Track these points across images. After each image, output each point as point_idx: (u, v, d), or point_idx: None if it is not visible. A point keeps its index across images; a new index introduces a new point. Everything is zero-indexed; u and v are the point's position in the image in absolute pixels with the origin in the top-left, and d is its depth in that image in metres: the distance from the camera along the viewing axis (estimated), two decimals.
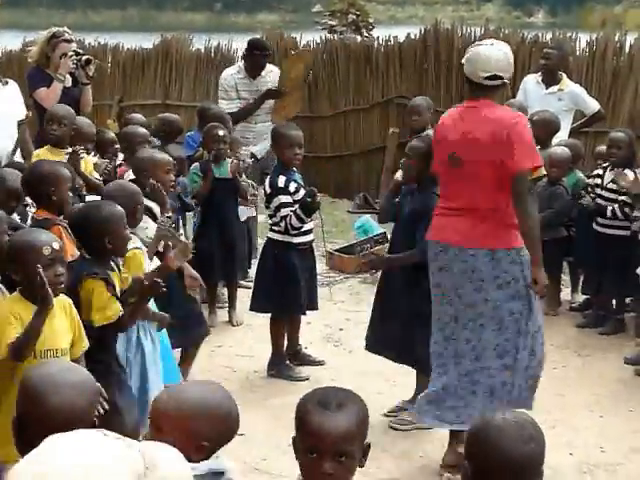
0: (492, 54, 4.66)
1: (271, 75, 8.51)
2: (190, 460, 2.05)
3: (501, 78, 4.64)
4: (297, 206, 5.83)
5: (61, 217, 4.63)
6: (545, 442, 2.42)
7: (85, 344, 3.85)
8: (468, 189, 4.63)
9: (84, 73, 7.25)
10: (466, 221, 4.64)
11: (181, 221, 6.67)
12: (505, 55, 4.71)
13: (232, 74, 8.52)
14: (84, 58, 7.21)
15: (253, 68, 8.43)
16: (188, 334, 5.46)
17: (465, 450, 2.45)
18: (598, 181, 6.92)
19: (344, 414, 2.46)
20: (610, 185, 6.77)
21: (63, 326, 3.76)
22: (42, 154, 5.90)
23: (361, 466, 2.50)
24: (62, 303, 3.78)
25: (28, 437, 2.28)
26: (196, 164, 6.95)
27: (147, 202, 5.10)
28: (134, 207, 4.67)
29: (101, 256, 4.28)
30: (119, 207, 4.38)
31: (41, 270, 3.54)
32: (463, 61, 4.76)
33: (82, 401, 2.44)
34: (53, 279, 3.62)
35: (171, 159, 5.65)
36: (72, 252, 4.34)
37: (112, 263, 4.32)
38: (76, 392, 2.46)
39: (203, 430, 2.50)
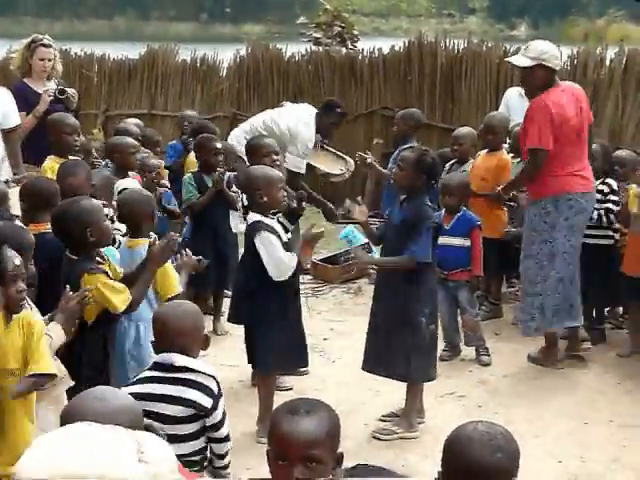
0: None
1: None
2: None
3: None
4: (279, 214, 5.53)
5: None
6: (518, 453, 2.44)
7: (39, 367, 3.62)
8: (584, 150, 6.27)
9: (64, 106, 7.25)
10: (590, 172, 6.32)
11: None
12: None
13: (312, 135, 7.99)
14: (57, 89, 7.26)
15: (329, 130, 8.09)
16: None
17: (441, 456, 2.48)
18: None
19: (312, 419, 2.47)
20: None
21: (14, 345, 3.61)
22: (53, 165, 5.88)
23: (334, 475, 2.49)
24: (21, 321, 3.65)
25: None
26: (190, 174, 6.97)
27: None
28: (149, 212, 4.93)
29: (86, 251, 4.32)
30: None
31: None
32: (521, 62, 6.22)
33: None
34: (15, 295, 3.57)
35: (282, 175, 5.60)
36: None
37: (98, 257, 4.40)
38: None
39: None
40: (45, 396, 3.87)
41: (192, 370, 3.57)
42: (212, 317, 7.07)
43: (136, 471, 1.50)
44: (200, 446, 3.64)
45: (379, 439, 5.34)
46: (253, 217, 5.21)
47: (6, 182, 6.31)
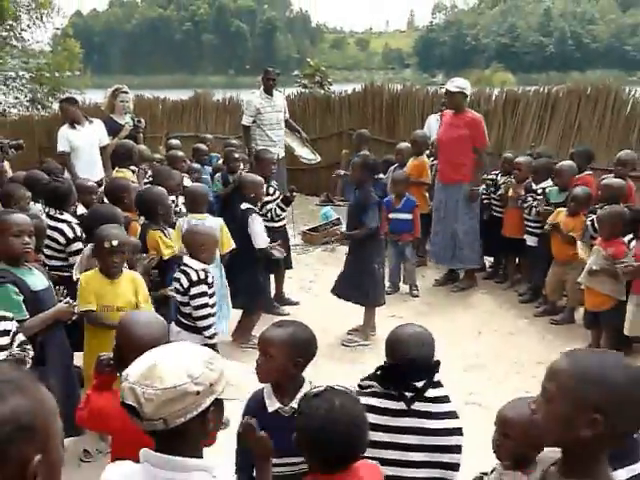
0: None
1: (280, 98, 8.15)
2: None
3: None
4: (278, 200, 5.65)
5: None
6: (434, 343, 2.42)
7: (149, 306, 3.62)
8: None
9: (135, 131, 7.22)
10: None
11: None
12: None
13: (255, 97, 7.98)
14: (137, 119, 7.32)
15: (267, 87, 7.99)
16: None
17: (385, 351, 2.45)
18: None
19: (279, 329, 2.35)
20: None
21: (126, 291, 3.55)
22: (119, 173, 5.76)
23: (290, 373, 2.30)
24: (130, 277, 3.61)
25: (123, 359, 2.20)
26: (218, 174, 6.87)
27: None
28: (205, 198, 5.03)
29: (156, 220, 4.42)
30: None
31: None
32: (453, 88, 6.23)
33: (156, 338, 2.21)
34: (114, 264, 3.49)
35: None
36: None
37: (163, 232, 4.43)
38: (153, 332, 2.29)
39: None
40: None
41: (187, 265, 3.98)
42: None
43: (203, 371, 1.58)
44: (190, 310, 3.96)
45: (346, 346, 5.33)
46: (246, 205, 5.21)
47: (100, 181, 6.24)
